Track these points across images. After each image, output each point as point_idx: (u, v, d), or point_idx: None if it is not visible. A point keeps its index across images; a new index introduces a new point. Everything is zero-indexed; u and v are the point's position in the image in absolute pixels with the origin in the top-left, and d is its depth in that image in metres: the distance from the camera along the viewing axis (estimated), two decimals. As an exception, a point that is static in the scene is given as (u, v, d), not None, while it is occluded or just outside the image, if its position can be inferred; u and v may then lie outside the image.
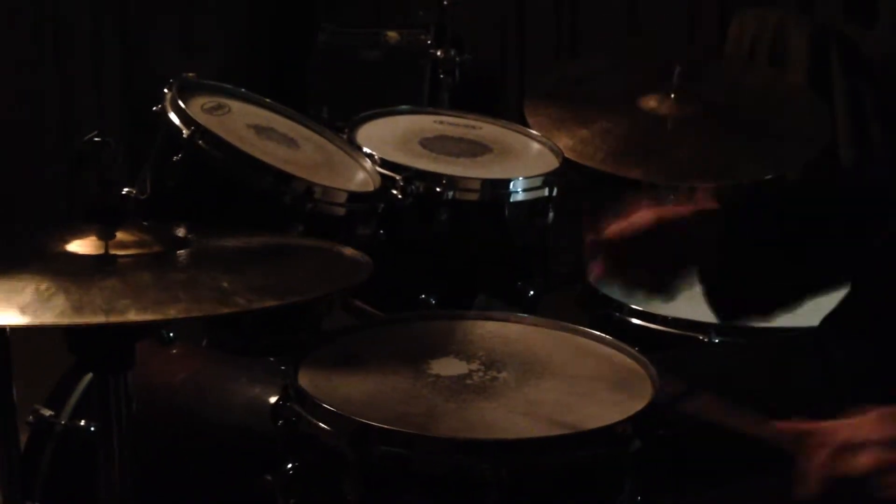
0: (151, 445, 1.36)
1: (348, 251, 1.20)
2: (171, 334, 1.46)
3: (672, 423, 1.16)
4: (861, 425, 1.00)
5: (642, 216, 1.26)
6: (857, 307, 1.24)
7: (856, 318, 1.24)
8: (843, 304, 1.27)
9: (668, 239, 1.25)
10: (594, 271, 1.31)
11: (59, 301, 0.85)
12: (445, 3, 2.28)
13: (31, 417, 1.42)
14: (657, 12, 3.07)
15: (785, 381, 1.25)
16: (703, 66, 1.99)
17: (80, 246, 0.98)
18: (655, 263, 1.27)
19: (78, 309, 0.83)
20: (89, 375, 1.40)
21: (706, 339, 1.51)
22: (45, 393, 1.47)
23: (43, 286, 0.87)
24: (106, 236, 0.97)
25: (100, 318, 0.82)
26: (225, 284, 0.91)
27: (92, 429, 1.38)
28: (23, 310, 0.85)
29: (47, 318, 0.83)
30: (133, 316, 0.83)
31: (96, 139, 0.93)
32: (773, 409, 1.10)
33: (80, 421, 1.40)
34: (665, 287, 1.31)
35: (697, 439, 1.20)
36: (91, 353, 0.94)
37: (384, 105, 1.92)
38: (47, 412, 1.42)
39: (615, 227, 1.26)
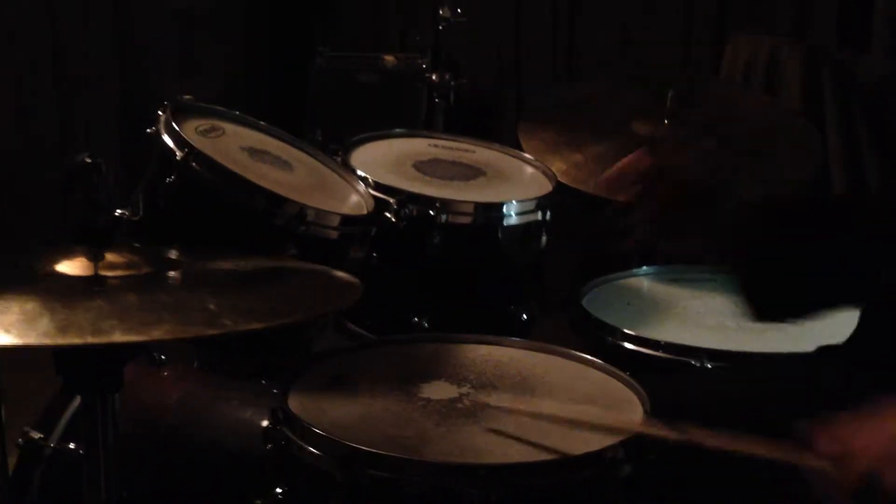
0: (142, 467, 1.35)
1: (339, 274, 1.20)
2: (163, 356, 1.46)
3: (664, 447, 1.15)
4: (880, 436, 0.98)
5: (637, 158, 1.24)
6: (869, 338, 1.23)
7: (867, 349, 1.23)
8: (856, 335, 1.26)
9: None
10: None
11: (45, 321, 0.85)
12: (441, 27, 2.30)
13: (20, 440, 1.41)
14: (652, 37, 3.10)
15: (779, 406, 1.25)
16: (697, 90, 2.00)
17: (70, 266, 0.98)
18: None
19: (63, 329, 0.83)
20: (79, 398, 1.40)
21: (699, 364, 1.51)
22: (35, 415, 1.46)
23: (29, 306, 0.87)
24: (95, 257, 0.97)
25: (84, 339, 0.82)
26: (212, 306, 0.90)
27: (81, 451, 1.36)
28: (7, 329, 0.84)
29: (31, 338, 0.83)
30: (118, 337, 0.83)
31: (87, 160, 0.93)
32: (767, 434, 1.09)
33: (69, 443, 1.39)
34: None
35: (689, 464, 1.19)
36: (78, 375, 0.93)
37: (381, 128, 1.93)
38: (37, 434, 1.41)
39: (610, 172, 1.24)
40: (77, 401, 1.42)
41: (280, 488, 1.17)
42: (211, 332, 0.86)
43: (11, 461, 1.40)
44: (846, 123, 2.36)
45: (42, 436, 1.41)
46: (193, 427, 1.43)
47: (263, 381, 1.47)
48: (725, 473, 1.19)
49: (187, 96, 1.58)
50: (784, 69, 2.46)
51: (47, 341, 0.82)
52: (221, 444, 1.40)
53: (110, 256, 0.99)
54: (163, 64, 3.27)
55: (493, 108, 3.32)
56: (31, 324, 0.84)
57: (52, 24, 3.05)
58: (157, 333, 0.85)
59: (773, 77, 2.47)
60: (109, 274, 0.97)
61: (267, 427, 1.18)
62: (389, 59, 3.17)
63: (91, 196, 0.94)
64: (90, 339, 0.81)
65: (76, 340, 0.82)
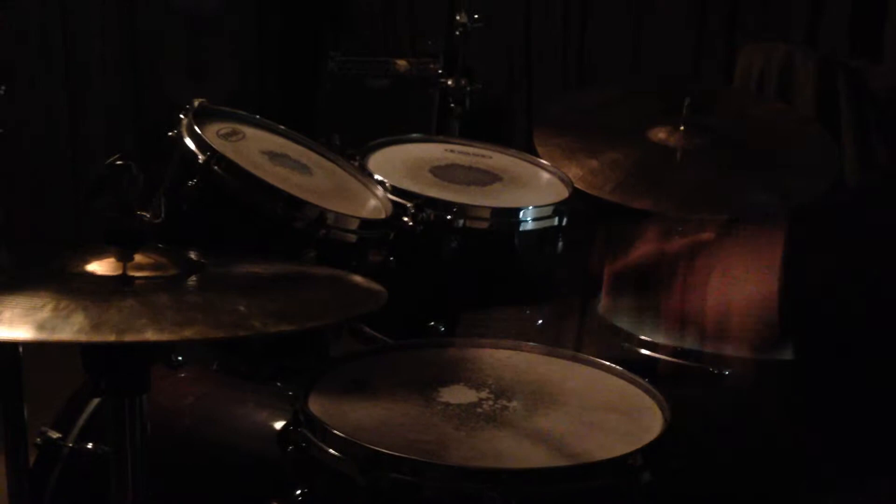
0: (159, 470, 1.35)
1: (361, 280, 1.21)
2: (180, 358, 1.46)
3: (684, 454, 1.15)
4: None
5: (645, 249, 1.27)
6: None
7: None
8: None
9: (669, 270, 1.25)
10: (602, 300, 1.31)
11: (78, 318, 0.85)
12: (458, 32, 2.30)
13: (38, 439, 1.42)
14: (663, 43, 3.10)
15: (797, 412, 1.25)
16: (713, 98, 2.00)
17: (99, 266, 0.99)
18: (659, 293, 1.27)
19: (96, 326, 0.83)
20: (97, 399, 1.40)
21: (715, 371, 1.51)
22: (53, 415, 1.46)
23: (62, 304, 0.87)
24: (125, 258, 0.98)
25: (117, 337, 0.82)
26: (242, 308, 0.91)
27: (99, 452, 1.37)
28: (41, 326, 0.85)
29: (66, 334, 0.83)
30: (151, 335, 0.83)
31: (118, 162, 0.94)
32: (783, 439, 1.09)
33: (87, 443, 1.40)
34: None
35: (708, 472, 1.20)
36: (107, 375, 0.94)
37: (393, 133, 1.94)
38: (55, 434, 1.41)
39: (620, 262, 1.27)
40: (95, 401, 1.43)
41: (300, 490, 1.17)
42: (241, 333, 0.87)
43: (29, 460, 1.40)
44: (861, 132, 2.36)
45: (60, 435, 1.42)
46: (209, 429, 1.43)
47: (279, 384, 1.47)
48: (742, 482, 1.19)
49: (200, 100, 1.59)
50: (798, 77, 2.46)
51: (82, 337, 0.82)
52: (236, 447, 1.40)
53: (139, 258, 1.00)
54: (175, 68, 3.28)
55: (505, 114, 3.33)
56: (65, 321, 0.84)
57: (63, 26, 3.06)
58: (188, 333, 0.85)
59: (787, 85, 2.47)
60: (138, 274, 0.98)
61: (286, 429, 1.19)
62: (401, 63, 3.18)
63: (122, 197, 0.94)
64: (123, 337, 0.82)
65: (110, 337, 0.82)
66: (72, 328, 0.83)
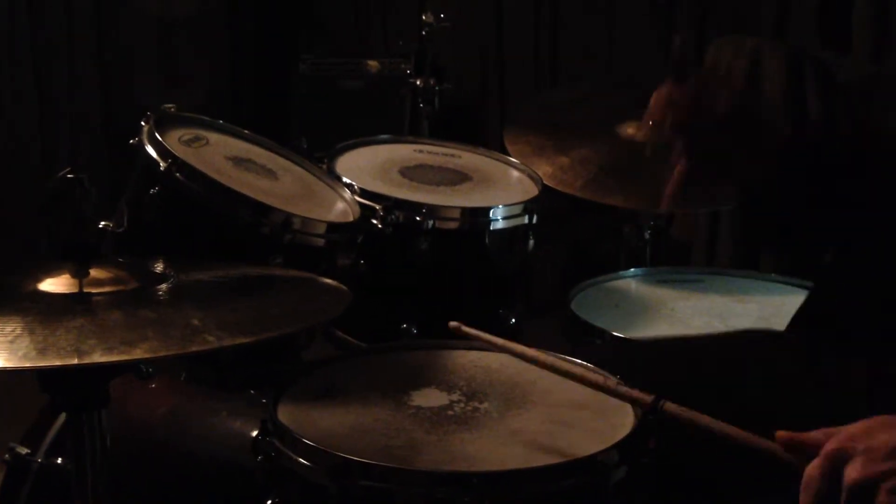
0: (131, 481, 1.34)
1: (327, 281, 1.19)
2: (150, 369, 1.44)
3: (655, 449, 1.15)
4: (856, 433, 0.96)
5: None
6: (821, 308, 1.24)
7: (822, 319, 1.23)
8: (806, 306, 1.27)
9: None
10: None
11: (24, 343, 0.83)
12: (424, 32, 2.30)
13: (7, 455, 1.40)
14: (634, 38, 3.11)
15: (743, 385, 1.25)
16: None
17: (54, 284, 0.97)
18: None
19: (42, 351, 0.81)
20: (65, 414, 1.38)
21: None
22: (22, 431, 1.44)
23: (8, 328, 0.85)
24: (80, 274, 0.96)
25: (64, 361, 0.80)
26: (195, 321, 0.89)
27: (69, 467, 1.35)
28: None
29: (11, 361, 0.81)
30: (98, 357, 0.81)
31: (69, 175, 0.92)
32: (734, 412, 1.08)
33: (56, 458, 1.38)
34: None
35: (680, 466, 1.19)
36: (63, 393, 0.92)
37: (366, 134, 1.93)
38: (24, 450, 1.39)
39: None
40: (64, 416, 1.41)
41: (271, 500, 1.16)
42: (194, 348, 0.85)
43: (-1, 477, 1.39)
44: (828, 123, 2.36)
45: (29, 451, 1.40)
46: (182, 439, 1.42)
47: (252, 392, 1.46)
48: (718, 477, 1.19)
49: (169, 106, 1.58)
50: (766, 70, 2.46)
51: (27, 364, 0.80)
52: (211, 456, 1.39)
53: (96, 272, 0.98)
54: (146, 74, 3.25)
55: (477, 113, 3.32)
56: (10, 346, 0.82)
57: (33, 35, 3.03)
58: (138, 352, 0.83)
59: (756, 78, 2.47)
60: (94, 291, 0.96)
61: (257, 438, 1.17)
62: (373, 64, 3.16)
63: (75, 212, 0.92)
64: (69, 361, 0.80)
65: (56, 362, 0.80)
66: (17, 354, 0.81)
